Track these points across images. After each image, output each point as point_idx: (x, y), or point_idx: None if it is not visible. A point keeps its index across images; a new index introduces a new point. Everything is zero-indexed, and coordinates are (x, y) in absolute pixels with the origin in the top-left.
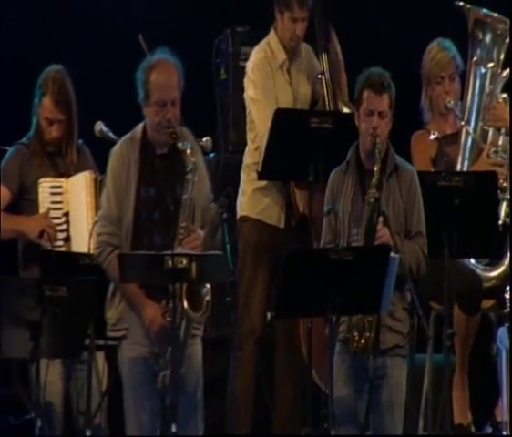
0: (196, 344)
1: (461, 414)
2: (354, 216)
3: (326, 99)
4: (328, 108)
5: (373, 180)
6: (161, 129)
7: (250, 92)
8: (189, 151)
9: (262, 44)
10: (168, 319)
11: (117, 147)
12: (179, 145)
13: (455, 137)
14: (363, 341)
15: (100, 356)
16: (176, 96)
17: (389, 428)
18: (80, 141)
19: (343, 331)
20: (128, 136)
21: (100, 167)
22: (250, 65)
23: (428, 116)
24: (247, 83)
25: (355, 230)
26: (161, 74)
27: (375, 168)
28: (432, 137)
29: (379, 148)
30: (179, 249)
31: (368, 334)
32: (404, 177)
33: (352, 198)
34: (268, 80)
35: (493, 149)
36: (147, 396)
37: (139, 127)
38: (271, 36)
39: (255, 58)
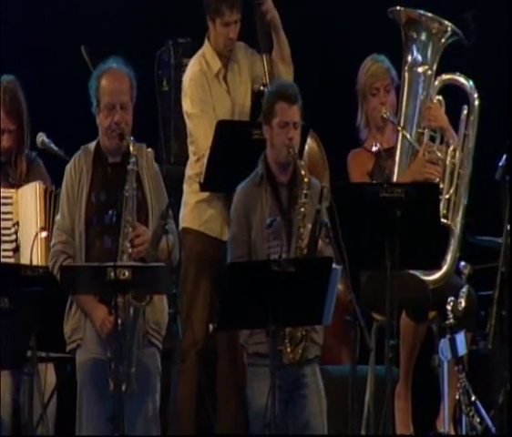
0: (153, 354)
1: (403, 425)
2: (273, 228)
3: None
4: None
5: (302, 190)
6: (111, 133)
7: (186, 107)
8: (131, 145)
9: (197, 56)
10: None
11: (71, 160)
12: (124, 141)
13: (391, 151)
14: (300, 352)
15: (50, 368)
16: (126, 100)
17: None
18: (34, 153)
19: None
20: (82, 148)
21: (56, 179)
22: (185, 79)
23: (365, 133)
24: (183, 98)
25: (275, 242)
26: (111, 79)
27: (305, 179)
28: (374, 148)
29: (294, 158)
30: (125, 244)
31: (302, 345)
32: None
33: (269, 211)
34: (203, 93)
35: (429, 150)
36: (100, 400)
37: (95, 141)
38: (206, 47)
39: (190, 72)
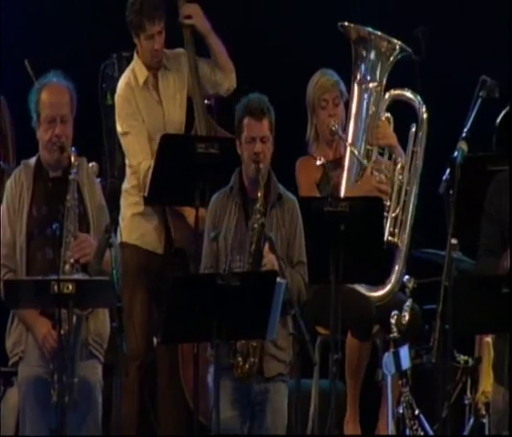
0: (95, 366)
1: None
2: (237, 242)
3: (198, 127)
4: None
5: (257, 206)
6: (51, 147)
7: (118, 126)
8: (73, 156)
9: (127, 70)
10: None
11: (11, 176)
12: (65, 153)
13: (338, 162)
14: (247, 367)
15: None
16: (66, 113)
17: None
18: None
19: (227, 357)
20: (22, 163)
21: None
22: (116, 97)
23: (313, 147)
24: (116, 116)
25: (238, 257)
26: (51, 92)
27: (259, 194)
28: (318, 162)
29: (262, 174)
30: (67, 254)
31: (252, 360)
32: (286, 206)
33: (235, 223)
34: (130, 107)
35: (376, 168)
36: (43, 413)
37: (35, 156)
38: (135, 61)
39: (119, 88)
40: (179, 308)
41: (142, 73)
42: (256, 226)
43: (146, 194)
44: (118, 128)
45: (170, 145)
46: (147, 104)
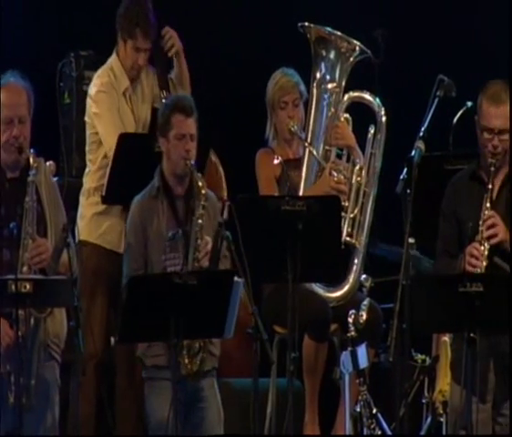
0: (52, 367)
1: None
2: (171, 240)
3: None
4: None
5: (201, 203)
6: (9, 147)
7: (94, 109)
8: (31, 157)
9: (105, 68)
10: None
11: None
12: (23, 154)
13: (297, 162)
14: (197, 363)
15: None
16: (24, 114)
17: None
18: None
19: (166, 355)
20: None
21: None
22: (93, 88)
23: (273, 145)
24: (90, 103)
25: (172, 255)
26: (8, 92)
27: (202, 192)
28: (276, 161)
29: (191, 170)
30: (25, 256)
31: (200, 356)
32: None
33: (166, 222)
34: (113, 101)
35: (335, 168)
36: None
37: None
38: (114, 61)
39: (99, 82)
40: (136, 307)
41: (123, 80)
42: (200, 221)
43: (103, 193)
44: (96, 110)
45: (128, 144)
46: (123, 110)
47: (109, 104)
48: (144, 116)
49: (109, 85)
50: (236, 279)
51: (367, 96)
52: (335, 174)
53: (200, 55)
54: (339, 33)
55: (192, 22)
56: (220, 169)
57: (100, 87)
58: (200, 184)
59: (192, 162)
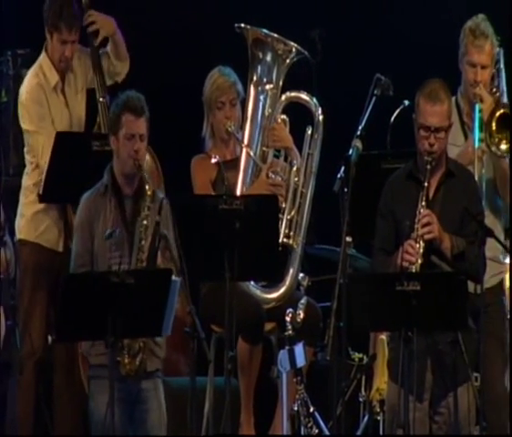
0: None
1: None
2: (116, 239)
3: (102, 124)
4: (103, 131)
5: (147, 204)
6: None
7: (23, 123)
8: None
9: (35, 67)
10: None
11: None
12: None
13: (234, 162)
14: (137, 364)
15: None
16: None
17: None
18: None
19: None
20: None
21: None
22: (22, 90)
23: (210, 143)
24: (20, 110)
25: (117, 253)
26: None
27: (149, 193)
28: (213, 160)
29: (140, 170)
30: None
31: (140, 357)
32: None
33: (112, 221)
34: (41, 108)
35: (272, 169)
36: None
37: None
38: (43, 58)
39: (27, 84)
40: (74, 306)
41: (52, 75)
42: (145, 222)
43: (40, 192)
44: (26, 126)
45: (65, 142)
46: (55, 106)
47: (39, 114)
48: (79, 108)
49: (37, 86)
50: (173, 277)
51: (304, 95)
52: (273, 176)
53: (137, 50)
54: (275, 35)
55: (127, 16)
56: (159, 167)
57: (29, 91)
58: (147, 185)
59: (142, 163)
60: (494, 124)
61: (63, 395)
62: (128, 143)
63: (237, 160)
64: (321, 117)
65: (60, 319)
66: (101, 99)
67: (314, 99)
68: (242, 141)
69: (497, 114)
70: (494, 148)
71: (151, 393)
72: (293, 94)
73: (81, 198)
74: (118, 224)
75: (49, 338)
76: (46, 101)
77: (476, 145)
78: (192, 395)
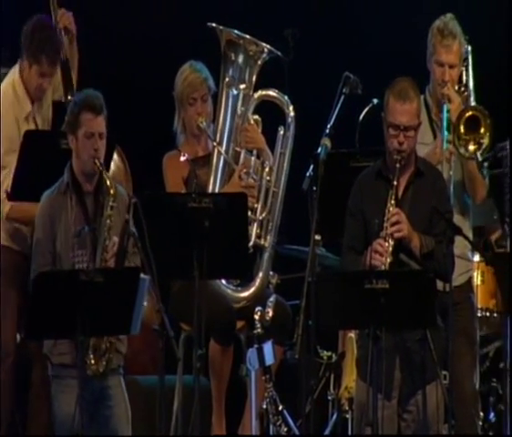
0: None
1: None
2: (79, 237)
3: None
4: None
5: (110, 201)
6: None
7: None
8: None
9: (8, 83)
10: None
11: None
12: None
13: (206, 159)
14: (103, 364)
15: None
16: None
17: None
18: None
19: (72, 354)
20: None
21: None
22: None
23: (181, 138)
24: None
25: (80, 252)
26: None
27: (111, 191)
28: (182, 158)
29: (100, 169)
30: None
31: (107, 356)
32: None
33: (74, 219)
34: (13, 145)
35: (244, 170)
36: None
37: None
38: (17, 79)
39: (2, 101)
40: (42, 304)
41: (26, 105)
42: (109, 222)
43: (9, 190)
44: None
45: (33, 141)
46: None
47: (10, 150)
48: (46, 115)
49: (10, 107)
50: (142, 276)
51: (276, 94)
52: (245, 177)
53: (107, 46)
54: (247, 36)
55: (98, 11)
56: (127, 166)
57: (2, 107)
58: (109, 183)
59: (101, 161)
60: (462, 126)
61: (40, 395)
62: (87, 142)
63: (209, 156)
64: (292, 114)
65: (29, 317)
66: (69, 97)
67: (286, 97)
68: (214, 140)
69: (466, 116)
70: (462, 150)
71: (115, 390)
72: (265, 92)
73: (42, 198)
74: (81, 222)
75: (17, 336)
76: (18, 133)
77: (444, 146)
78: (161, 394)
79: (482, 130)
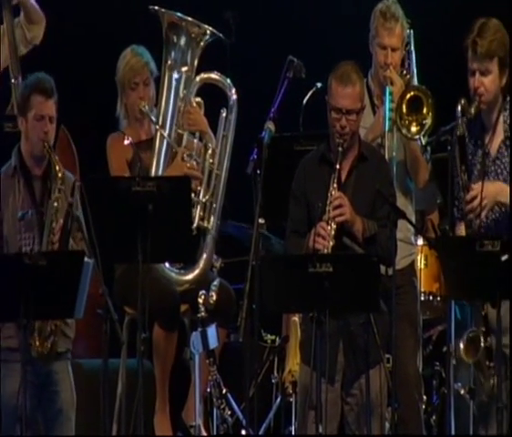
0: None
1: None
2: (26, 220)
3: (15, 105)
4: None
5: (58, 184)
6: None
7: None
8: None
9: None
10: None
11: None
12: None
13: (149, 142)
14: (48, 346)
15: None
16: None
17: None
18: None
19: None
20: None
21: None
22: None
23: (124, 123)
24: None
25: (27, 235)
26: None
27: (59, 174)
28: (126, 141)
29: (49, 152)
30: None
31: (52, 339)
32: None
33: (21, 202)
34: None
35: (187, 153)
36: None
37: None
38: None
39: None
40: None
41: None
42: (56, 204)
43: None
44: None
45: None
46: None
47: None
48: None
49: None
50: (86, 259)
51: (218, 77)
52: (188, 159)
53: (50, 30)
54: (189, 18)
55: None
56: (73, 147)
57: None
58: (57, 167)
59: (50, 144)
60: (404, 106)
61: None
62: (37, 124)
63: (152, 140)
64: (234, 97)
65: None
66: (14, 81)
67: (228, 80)
68: (157, 123)
69: (408, 96)
70: (404, 131)
71: (61, 375)
72: (207, 75)
73: None
74: (29, 205)
75: None
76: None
77: (387, 128)
78: (104, 377)
79: (424, 110)
